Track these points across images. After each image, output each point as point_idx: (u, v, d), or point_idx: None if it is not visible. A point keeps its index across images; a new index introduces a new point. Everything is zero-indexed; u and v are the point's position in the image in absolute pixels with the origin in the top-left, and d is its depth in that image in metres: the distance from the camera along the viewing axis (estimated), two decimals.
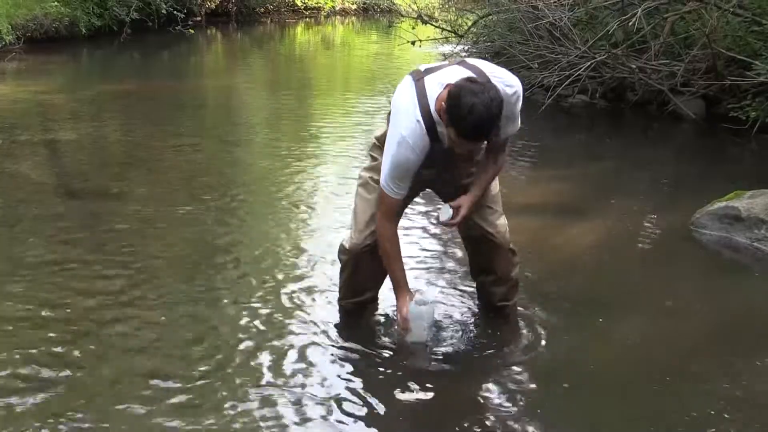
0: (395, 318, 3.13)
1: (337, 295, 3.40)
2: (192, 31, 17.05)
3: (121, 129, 7.68)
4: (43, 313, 3.31)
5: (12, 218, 4.56)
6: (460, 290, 3.57)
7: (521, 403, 2.75)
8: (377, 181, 2.96)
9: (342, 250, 3.19)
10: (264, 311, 3.38)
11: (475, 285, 3.40)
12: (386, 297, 3.39)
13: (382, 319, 3.33)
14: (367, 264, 3.13)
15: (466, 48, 11.40)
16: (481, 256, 3.22)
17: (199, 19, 19.96)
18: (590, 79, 8.44)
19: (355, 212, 3.14)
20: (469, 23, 11.67)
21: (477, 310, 3.38)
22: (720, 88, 7.59)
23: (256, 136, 7.59)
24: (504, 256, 3.16)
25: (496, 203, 3.12)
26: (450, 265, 3.94)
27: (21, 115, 8.11)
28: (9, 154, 6.20)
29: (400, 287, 3.00)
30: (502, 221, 3.14)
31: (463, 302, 3.45)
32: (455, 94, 2.57)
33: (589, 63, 7.96)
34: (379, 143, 3.01)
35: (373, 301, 3.33)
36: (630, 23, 7.20)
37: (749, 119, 6.92)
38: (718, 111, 7.66)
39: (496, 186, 3.12)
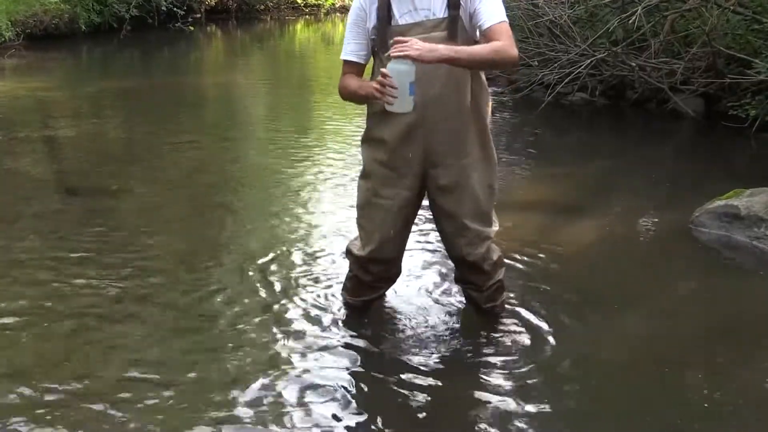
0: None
1: (339, 289, 3.43)
2: (192, 28, 17.10)
3: (120, 126, 7.68)
4: (42, 310, 3.31)
5: (11, 215, 4.56)
6: (458, 290, 3.57)
7: (520, 399, 2.74)
8: (386, 198, 3.02)
9: (349, 252, 3.20)
10: (265, 307, 3.38)
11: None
12: (391, 296, 3.42)
13: (385, 316, 3.33)
14: (373, 271, 3.16)
15: None
16: (460, 272, 3.24)
17: (198, 16, 19.94)
18: (590, 77, 8.44)
19: (359, 224, 3.15)
20: None
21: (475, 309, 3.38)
22: (720, 86, 7.58)
23: (256, 132, 7.59)
24: (482, 273, 3.12)
25: (481, 215, 3.01)
26: (449, 263, 3.94)
27: (20, 112, 8.11)
28: (8, 151, 6.20)
29: (365, 83, 2.81)
30: (485, 234, 3.03)
31: (461, 301, 3.44)
32: None
33: (589, 61, 7.96)
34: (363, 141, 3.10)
35: (379, 298, 3.34)
36: (630, 21, 7.20)
37: (749, 117, 6.92)
38: (717, 109, 7.65)
39: (487, 194, 3.01)
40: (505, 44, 2.71)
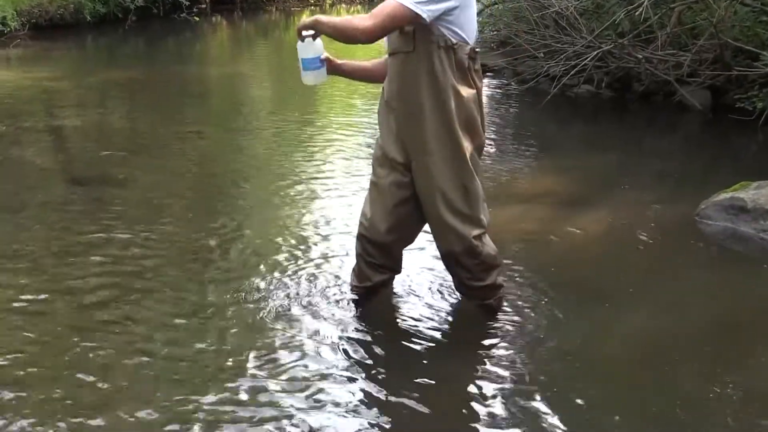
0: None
1: (345, 278, 3.47)
2: (197, 19, 17.06)
3: (125, 116, 7.68)
4: (47, 300, 3.32)
5: (17, 204, 4.57)
6: None
7: (522, 392, 2.75)
8: (380, 177, 3.10)
9: (357, 233, 3.25)
10: (269, 297, 3.39)
11: None
12: (394, 287, 3.42)
13: (386, 305, 3.34)
14: (371, 252, 3.18)
15: None
16: (447, 267, 3.24)
17: (204, 6, 19.89)
18: (596, 69, 8.40)
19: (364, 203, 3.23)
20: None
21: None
22: (727, 78, 7.55)
23: (260, 123, 7.57)
24: (464, 269, 3.11)
25: (456, 214, 2.99)
26: None
27: (26, 102, 8.11)
28: (14, 140, 6.20)
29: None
30: (464, 233, 3.00)
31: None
32: None
33: (595, 53, 7.92)
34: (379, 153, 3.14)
35: (383, 287, 3.33)
36: (637, 13, 7.16)
37: (756, 110, 6.89)
38: (724, 102, 7.62)
39: (461, 194, 2.97)
40: (358, 16, 2.83)
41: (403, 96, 2.95)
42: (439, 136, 2.92)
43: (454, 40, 2.84)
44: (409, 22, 2.79)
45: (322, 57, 3.02)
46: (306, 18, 2.91)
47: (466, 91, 2.91)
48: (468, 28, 2.87)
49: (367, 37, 2.78)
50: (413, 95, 2.91)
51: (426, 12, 2.74)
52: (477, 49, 2.94)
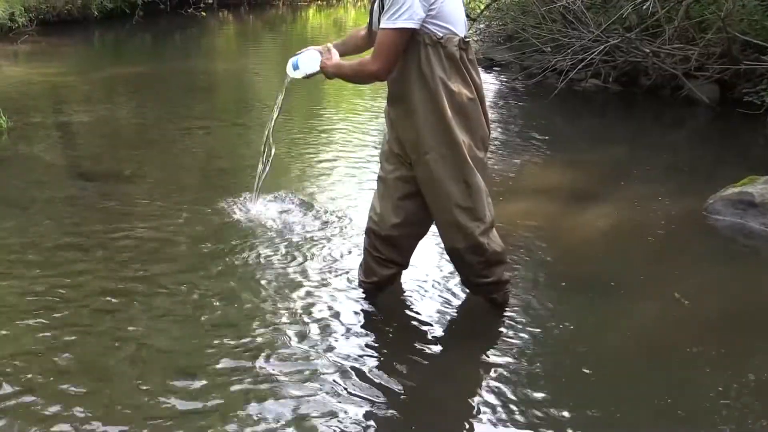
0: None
1: (351, 273, 3.50)
2: (204, 14, 17.05)
3: (133, 111, 7.69)
4: (56, 295, 3.34)
5: (25, 200, 4.59)
6: None
7: (527, 386, 2.75)
8: (387, 172, 3.16)
9: (366, 227, 3.27)
10: (273, 291, 3.41)
11: None
12: (402, 284, 3.42)
13: (395, 301, 3.35)
14: (378, 247, 3.19)
15: (478, 31, 11.35)
16: (452, 263, 3.24)
17: (210, 1, 19.87)
18: (603, 63, 8.39)
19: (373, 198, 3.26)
20: (482, 6, 11.60)
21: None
22: (735, 72, 7.53)
23: (267, 118, 7.56)
24: (467, 266, 3.10)
25: (459, 210, 2.97)
26: None
27: (34, 98, 8.13)
28: (22, 136, 6.22)
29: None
30: (469, 229, 2.98)
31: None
32: None
33: (602, 47, 7.92)
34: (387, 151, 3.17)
35: (389, 282, 3.33)
36: (644, 7, 7.15)
37: (764, 104, 6.87)
38: (732, 96, 7.60)
39: (462, 189, 2.95)
40: (365, 60, 2.92)
41: (397, 95, 2.99)
42: (434, 133, 2.92)
43: (440, 34, 2.82)
44: (409, 38, 2.80)
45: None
46: (328, 63, 3.12)
47: (458, 86, 2.89)
48: (454, 18, 2.85)
49: (381, 77, 2.92)
50: (406, 94, 2.93)
51: (415, 23, 2.77)
52: (467, 39, 2.92)
